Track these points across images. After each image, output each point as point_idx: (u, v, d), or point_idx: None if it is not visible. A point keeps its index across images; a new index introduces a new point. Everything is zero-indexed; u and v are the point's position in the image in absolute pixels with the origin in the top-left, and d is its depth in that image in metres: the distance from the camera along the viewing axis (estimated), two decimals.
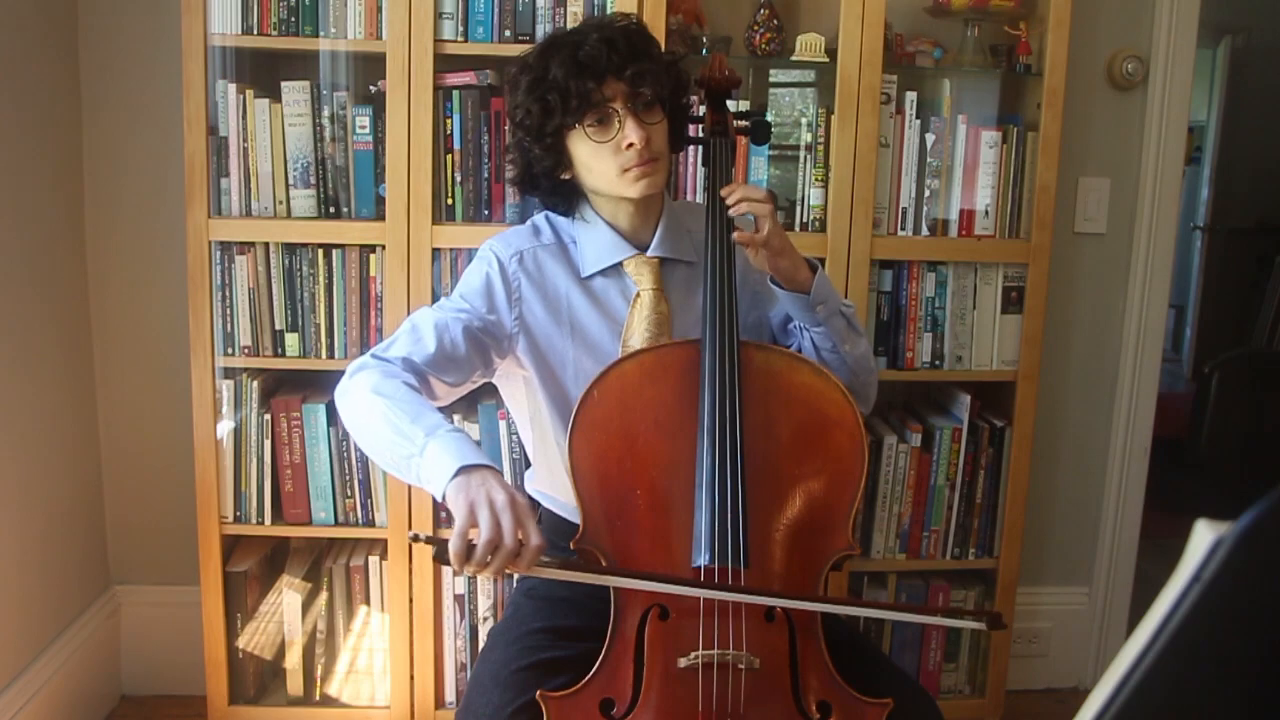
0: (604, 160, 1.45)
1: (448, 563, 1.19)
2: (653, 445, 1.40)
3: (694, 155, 2.09)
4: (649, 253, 1.53)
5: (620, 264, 1.54)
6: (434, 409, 1.34)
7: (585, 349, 1.53)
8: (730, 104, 1.64)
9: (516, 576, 2.11)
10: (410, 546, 2.11)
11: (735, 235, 1.44)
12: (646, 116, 1.44)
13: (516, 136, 1.51)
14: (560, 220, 1.59)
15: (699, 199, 2.07)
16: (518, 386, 1.59)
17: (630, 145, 1.42)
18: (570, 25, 2.01)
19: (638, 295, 1.53)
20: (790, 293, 1.48)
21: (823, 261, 2.13)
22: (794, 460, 1.41)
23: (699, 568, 1.31)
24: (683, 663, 1.29)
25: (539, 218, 1.62)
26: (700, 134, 1.60)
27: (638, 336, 1.51)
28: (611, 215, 1.54)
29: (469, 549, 1.18)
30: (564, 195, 1.54)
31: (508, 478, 2.11)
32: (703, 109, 1.62)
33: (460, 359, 1.47)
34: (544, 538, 1.22)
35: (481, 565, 1.18)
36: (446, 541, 1.19)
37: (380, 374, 1.38)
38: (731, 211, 1.45)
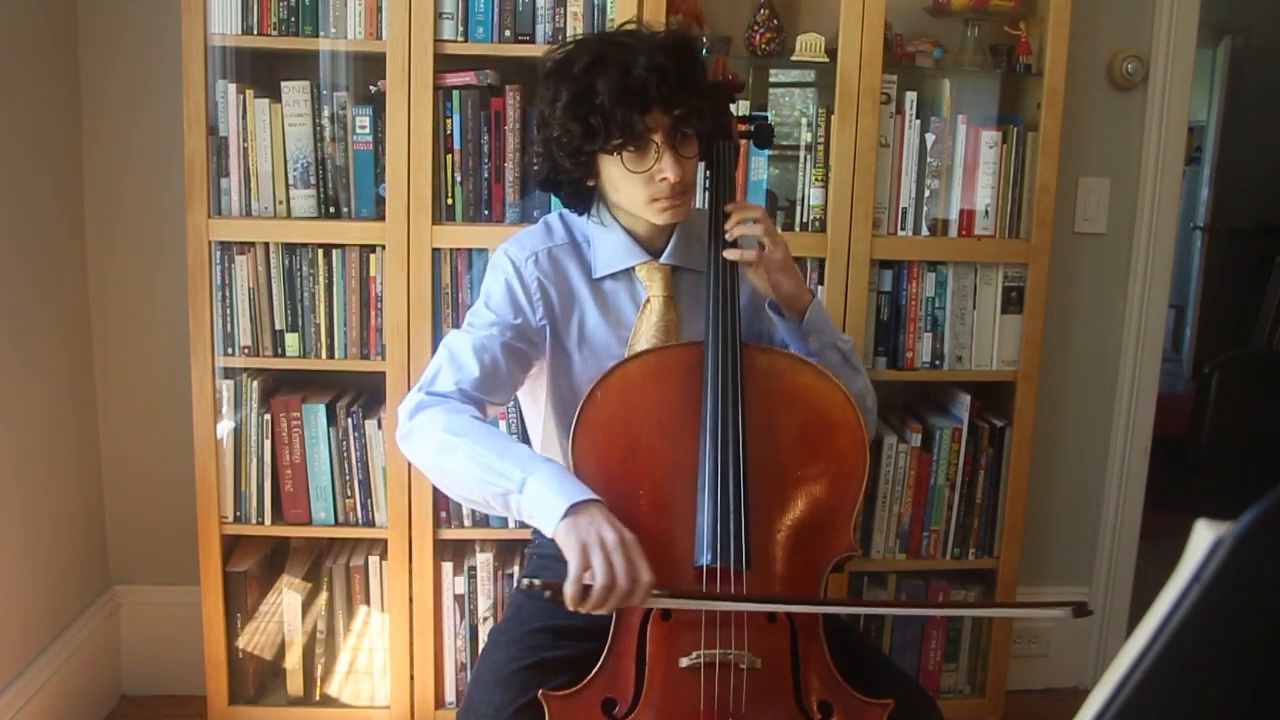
0: (634, 186, 1.44)
1: (561, 604, 1.22)
2: (655, 446, 1.40)
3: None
4: (662, 260, 1.53)
5: (632, 269, 1.53)
6: (514, 440, 1.38)
7: (590, 351, 1.53)
8: (730, 106, 1.64)
9: (517, 575, 2.12)
10: (410, 546, 2.11)
11: (727, 253, 1.44)
12: (684, 150, 1.43)
13: (546, 142, 1.47)
14: (574, 218, 1.59)
15: (704, 201, 2.07)
16: (534, 387, 1.60)
17: (664, 179, 1.41)
18: (571, 26, 2.01)
19: (647, 301, 1.52)
20: (784, 320, 1.49)
21: (822, 262, 2.14)
22: (796, 461, 1.41)
23: (701, 568, 1.32)
24: (684, 662, 1.29)
25: (551, 216, 1.62)
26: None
27: (644, 342, 1.51)
28: (630, 223, 1.54)
29: (584, 591, 1.21)
30: (584, 197, 1.53)
31: None
32: None
33: (503, 377, 1.48)
34: (653, 573, 1.23)
35: (597, 607, 1.21)
36: (560, 585, 1.21)
37: (445, 411, 1.39)
38: (729, 236, 1.45)
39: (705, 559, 1.31)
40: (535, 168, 1.54)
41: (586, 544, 1.21)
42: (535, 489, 1.28)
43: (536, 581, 1.24)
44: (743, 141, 1.73)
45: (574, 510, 1.24)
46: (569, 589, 1.20)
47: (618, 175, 1.44)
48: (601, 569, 1.20)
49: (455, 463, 1.35)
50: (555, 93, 1.43)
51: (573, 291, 1.54)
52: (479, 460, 1.33)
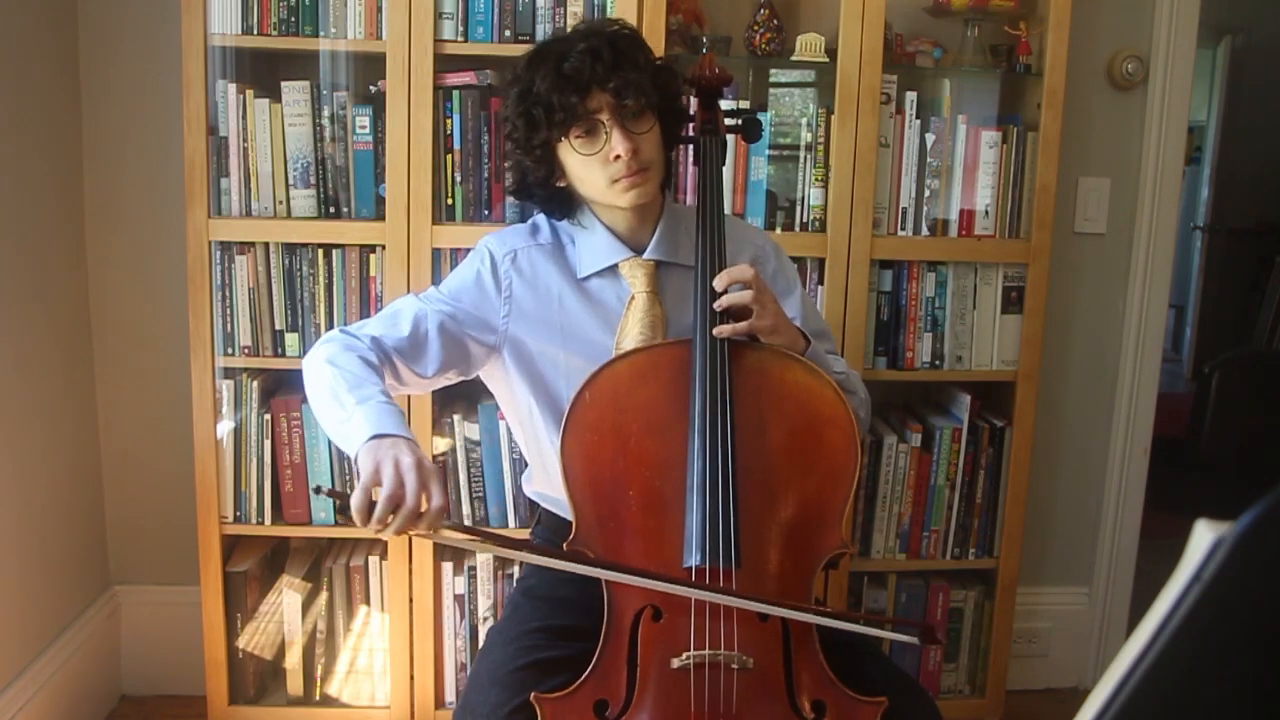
0: (593, 171, 1.45)
1: (349, 515, 1.22)
2: (645, 446, 1.40)
3: (689, 154, 2.09)
4: (645, 255, 1.53)
5: (616, 266, 1.54)
6: (379, 384, 1.37)
7: (577, 350, 1.53)
8: (727, 103, 1.64)
9: (516, 575, 2.12)
10: (410, 546, 2.11)
11: (717, 330, 1.39)
12: (635, 126, 1.44)
13: (509, 147, 1.52)
14: (560, 221, 1.59)
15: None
16: (509, 388, 1.59)
17: (617, 157, 1.42)
18: (570, 25, 2.01)
19: (632, 298, 1.52)
20: None
21: (822, 262, 2.14)
22: (786, 459, 1.40)
23: (690, 568, 1.31)
24: (676, 663, 1.28)
25: (540, 216, 1.62)
26: (690, 133, 1.60)
27: (631, 339, 1.50)
28: (610, 220, 1.54)
29: (370, 505, 1.21)
30: (561, 202, 1.55)
31: (507, 478, 2.11)
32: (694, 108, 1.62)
33: (432, 351, 1.49)
34: (447, 499, 1.23)
35: (383, 522, 1.21)
36: (348, 495, 1.21)
37: (341, 346, 1.42)
38: (716, 307, 1.41)
39: (694, 559, 1.31)
40: (507, 177, 1.56)
41: (380, 461, 1.23)
42: (359, 417, 1.29)
43: (324, 488, 1.26)
44: (734, 137, 1.73)
45: (379, 437, 1.26)
46: (356, 497, 1.20)
47: (576, 164, 1.46)
48: (390, 481, 1.20)
49: (319, 388, 1.37)
50: (507, 95, 1.49)
51: (553, 293, 1.54)
52: (333, 389, 1.34)
